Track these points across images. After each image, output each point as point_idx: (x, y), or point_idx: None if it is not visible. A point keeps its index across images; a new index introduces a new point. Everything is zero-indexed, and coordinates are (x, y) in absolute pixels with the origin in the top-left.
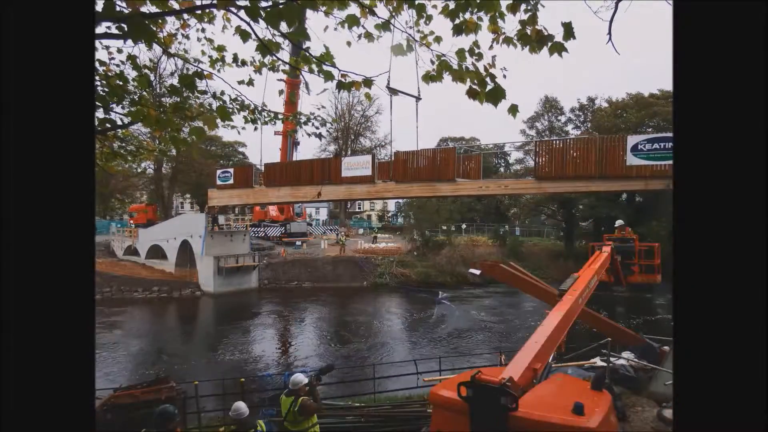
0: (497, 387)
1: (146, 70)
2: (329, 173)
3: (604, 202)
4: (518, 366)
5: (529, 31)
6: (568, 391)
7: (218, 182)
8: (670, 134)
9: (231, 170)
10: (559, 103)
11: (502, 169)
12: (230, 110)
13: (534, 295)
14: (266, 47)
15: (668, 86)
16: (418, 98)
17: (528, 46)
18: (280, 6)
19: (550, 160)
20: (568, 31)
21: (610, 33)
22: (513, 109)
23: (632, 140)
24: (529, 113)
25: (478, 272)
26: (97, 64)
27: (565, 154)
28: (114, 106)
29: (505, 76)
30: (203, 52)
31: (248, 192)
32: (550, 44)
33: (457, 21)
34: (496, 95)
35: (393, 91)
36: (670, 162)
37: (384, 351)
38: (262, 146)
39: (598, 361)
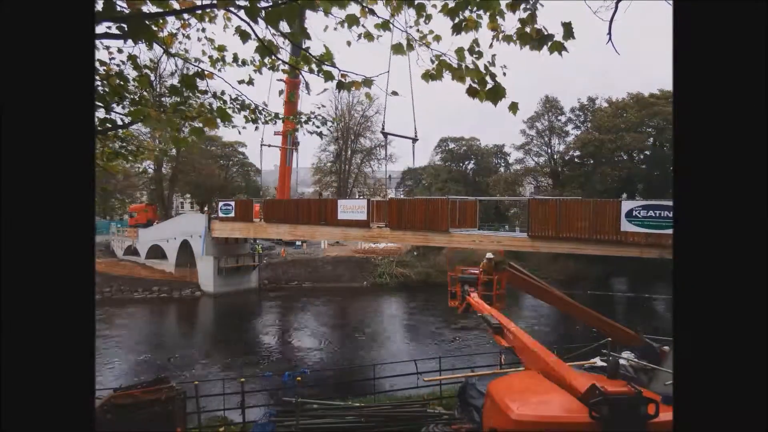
0: (638, 397)
1: (146, 70)
2: (326, 214)
3: None
4: (582, 377)
5: (528, 30)
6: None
7: (220, 214)
8: (665, 202)
9: (232, 203)
10: (559, 103)
11: (502, 169)
12: (230, 109)
13: (535, 295)
14: (266, 48)
15: (668, 86)
16: (414, 139)
17: (528, 45)
18: (280, 6)
19: (543, 218)
20: (568, 31)
21: (610, 33)
22: (513, 107)
23: (627, 205)
24: (529, 113)
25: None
26: (97, 64)
27: (559, 214)
28: (114, 106)
29: (505, 74)
30: (203, 52)
31: (249, 226)
32: (549, 43)
33: (456, 19)
34: (496, 94)
35: (388, 135)
36: (665, 231)
37: (384, 351)
38: (261, 150)
39: (598, 361)
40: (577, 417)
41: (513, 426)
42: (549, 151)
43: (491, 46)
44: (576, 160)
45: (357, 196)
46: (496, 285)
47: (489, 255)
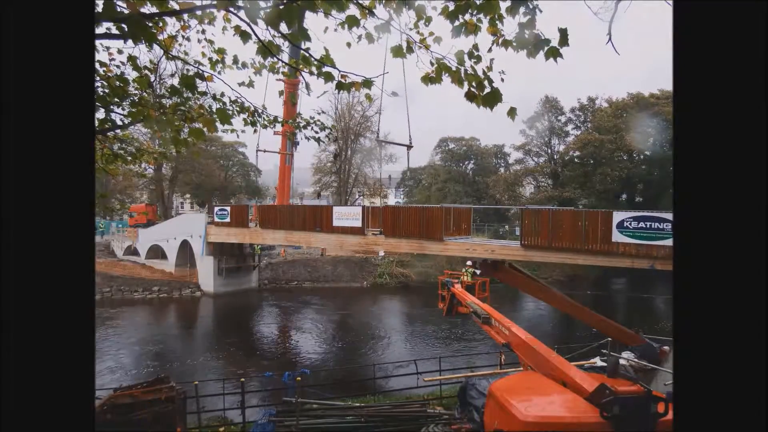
0: (647, 395)
1: (146, 71)
2: (321, 221)
3: (604, 202)
4: (588, 377)
5: (527, 35)
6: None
7: (215, 219)
8: (656, 213)
9: (227, 208)
10: (559, 103)
11: (502, 170)
12: (230, 112)
13: (535, 295)
14: (267, 48)
15: (668, 86)
16: (409, 146)
17: (525, 50)
18: (280, 7)
19: (536, 228)
20: (564, 36)
21: (610, 33)
22: (512, 112)
23: (618, 216)
24: (529, 113)
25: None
26: (97, 64)
27: (551, 224)
28: (114, 107)
29: (503, 80)
30: (203, 54)
31: (244, 231)
32: (546, 49)
33: (456, 23)
34: (492, 99)
35: (383, 143)
36: (656, 242)
37: (384, 351)
38: (257, 156)
39: (598, 361)
40: (586, 417)
41: (521, 427)
42: (549, 151)
43: (490, 50)
44: (576, 160)
45: (357, 196)
46: (479, 288)
47: (468, 262)
